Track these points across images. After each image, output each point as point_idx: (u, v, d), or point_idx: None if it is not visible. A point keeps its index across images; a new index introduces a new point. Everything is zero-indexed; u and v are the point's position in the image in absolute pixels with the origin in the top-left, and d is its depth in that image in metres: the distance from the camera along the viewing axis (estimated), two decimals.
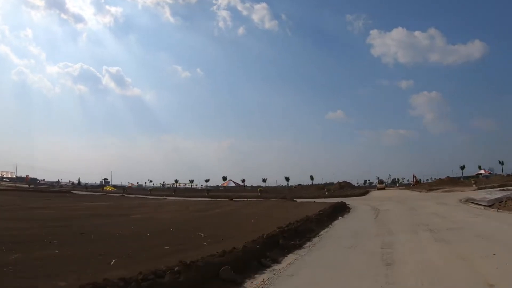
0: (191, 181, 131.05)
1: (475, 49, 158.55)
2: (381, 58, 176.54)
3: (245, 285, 6.12)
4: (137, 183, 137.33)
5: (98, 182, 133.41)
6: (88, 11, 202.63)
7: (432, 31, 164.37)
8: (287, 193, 65.81)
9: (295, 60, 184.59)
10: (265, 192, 73.05)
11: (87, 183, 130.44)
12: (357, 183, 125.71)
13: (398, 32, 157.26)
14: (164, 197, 54.84)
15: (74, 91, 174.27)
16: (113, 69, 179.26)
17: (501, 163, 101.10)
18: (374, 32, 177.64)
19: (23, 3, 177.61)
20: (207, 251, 7.58)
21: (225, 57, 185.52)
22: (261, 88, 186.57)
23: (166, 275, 5.45)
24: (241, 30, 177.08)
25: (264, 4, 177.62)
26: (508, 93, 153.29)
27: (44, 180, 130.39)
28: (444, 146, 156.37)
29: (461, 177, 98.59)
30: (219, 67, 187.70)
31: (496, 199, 21.56)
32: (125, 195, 63.43)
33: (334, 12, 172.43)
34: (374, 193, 55.37)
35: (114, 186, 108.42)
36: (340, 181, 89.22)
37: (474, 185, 51.31)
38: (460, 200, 26.33)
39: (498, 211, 17.82)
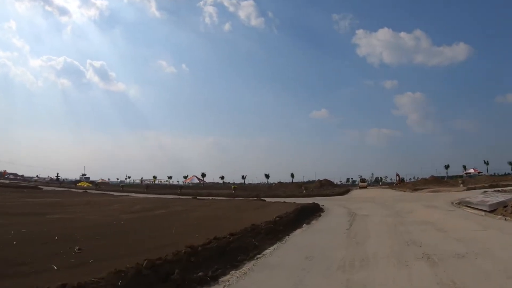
0: (169, 178, 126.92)
1: (459, 51, 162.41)
2: (366, 58, 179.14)
3: None
4: (117, 179, 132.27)
5: (78, 178, 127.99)
6: (73, 4, 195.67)
7: (418, 32, 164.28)
8: (263, 191, 62.24)
9: (281, 58, 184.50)
10: (242, 190, 69.54)
11: (66, 178, 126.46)
12: (340, 182, 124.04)
13: (384, 33, 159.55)
14: (127, 194, 50.09)
15: (57, 85, 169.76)
16: (97, 63, 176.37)
17: (486, 163, 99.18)
18: (360, 32, 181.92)
19: None
20: None
21: (210, 54, 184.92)
22: (246, 86, 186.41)
23: None
24: (227, 27, 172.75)
25: (251, 1, 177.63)
26: (491, 95, 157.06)
27: (23, 175, 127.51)
28: (427, 146, 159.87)
29: (445, 176, 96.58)
30: (204, 63, 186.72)
31: (499, 203, 17.43)
32: (94, 191, 58.96)
33: (320, 11, 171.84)
34: (355, 192, 51.42)
35: (91, 182, 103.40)
36: (321, 179, 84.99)
37: (461, 185, 47.87)
38: (452, 203, 22.49)
39: (506, 220, 13.84)
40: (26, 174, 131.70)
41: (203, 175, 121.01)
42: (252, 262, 7.71)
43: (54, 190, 59.61)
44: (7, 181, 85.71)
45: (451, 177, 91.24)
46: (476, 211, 17.31)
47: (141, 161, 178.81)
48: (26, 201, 26.75)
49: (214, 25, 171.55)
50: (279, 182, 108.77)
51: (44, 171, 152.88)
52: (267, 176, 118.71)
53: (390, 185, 79.61)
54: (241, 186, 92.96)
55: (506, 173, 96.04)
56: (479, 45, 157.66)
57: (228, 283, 6.06)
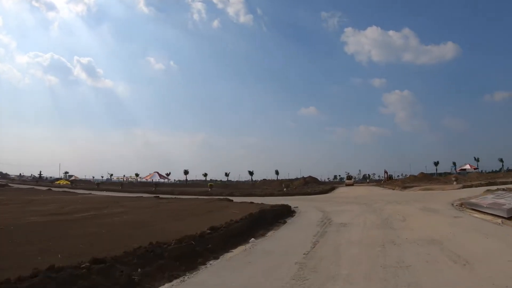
0: (137, 175, 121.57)
1: (447, 50, 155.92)
2: (354, 56, 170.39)
3: None
4: (102, 176, 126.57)
5: (62, 176, 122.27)
6: None
7: (406, 31, 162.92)
8: (244, 189, 58.05)
9: (269, 55, 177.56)
10: (223, 188, 65.09)
11: (51, 176, 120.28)
12: (328, 179, 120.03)
13: (373, 31, 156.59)
14: (90, 192, 44.63)
15: (44, 81, 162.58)
16: (85, 60, 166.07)
17: (477, 159, 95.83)
18: (348, 30, 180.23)
19: None
20: None
21: (199, 50, 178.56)
22: (234, 82, 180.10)
23: None
24: (215, 23, 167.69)
25: None
26: (479, 95, 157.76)
27: (7, 174, 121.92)
28: (415, 144, 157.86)
29: (435, 173, 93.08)
30: (193, 60, 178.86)
31: None
32: (62, 189, 52.57)
33: (309, 9, 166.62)
34: (340, 190, 46.96)
35: (72, 180, 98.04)
36: (305, 176, 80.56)
37: (454, 182, 43.55)
38: (453, 204, 18.29)
39: None
40: (11, 172, 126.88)
41: (186, 172, 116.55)
42: None
43: (19, 188, 55.34)
44: None
45: (441, 174, 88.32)
46: (489, 217, 13.01)
47: (128, 158, 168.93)
48: None
49: (202, 21, 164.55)
50: (263, 179, 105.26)
51: (29, 169, 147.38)
52: (251, 173, 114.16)
53: (378, 183, 75.26)
54: (223, 184, 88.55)
55: (494, 170, 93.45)
56: (466, 44, 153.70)
57: None
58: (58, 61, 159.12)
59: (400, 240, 9.02)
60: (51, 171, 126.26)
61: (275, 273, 6.29)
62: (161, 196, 32.92)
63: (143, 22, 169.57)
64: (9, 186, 59.72)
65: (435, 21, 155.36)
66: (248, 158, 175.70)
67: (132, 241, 7.96)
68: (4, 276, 4.99)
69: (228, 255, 8.11)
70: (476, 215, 13.98)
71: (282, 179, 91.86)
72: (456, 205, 18.30)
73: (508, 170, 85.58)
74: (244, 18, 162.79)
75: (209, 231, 9.67)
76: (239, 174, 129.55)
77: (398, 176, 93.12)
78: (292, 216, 16.77)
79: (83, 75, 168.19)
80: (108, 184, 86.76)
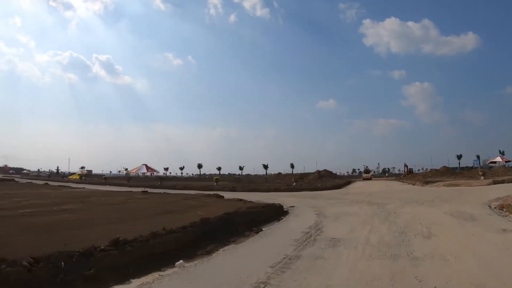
0: (166, 169, 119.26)
1: (468, 41, 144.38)
2: (373, 47, 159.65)
3: None
4: (119, 171, 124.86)
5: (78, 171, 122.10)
6: None
7: (426, 21, 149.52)
8: (257, 183, 54.22)
9: (287, 49, 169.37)
10: (235, 181, 61.61)
11: (69, 172, 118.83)
12: (347, 172, 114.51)
13: (391, 22, 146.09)
14: (88, 186, 42.82)
15: (64, 79, 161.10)
16: (103, 57, 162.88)
17: (502, 153, 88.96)
18: (367, 22, 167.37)
19: None
20: None
21: (216, 45, 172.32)
22: (252, 76, 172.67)
23: None
24: (232, 18, 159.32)
25: None
26: (500, 86, 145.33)
27: (26, 169, 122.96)
28: (436, 137, 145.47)
29: (457, 167, 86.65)
30: (210, 54, 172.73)
31: None
32: (64, 183, 51.07)
33: (326, 1, 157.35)
34: (355, 185, 42.07)
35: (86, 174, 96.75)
36: (320, 169, 75.47)
37: (482, 177, 38.21)
38: (490, 207, 14.03)
39: None
40: (33, 168, 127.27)
41: (199, 166, 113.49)
42: None
43: (20, 182, 52.99)
44: None
45: (463, 168, 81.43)
46: None
47: (146, 153, 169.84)
48: None
49: (219, 16, 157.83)
50: (278, 173, 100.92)
51: (49, 164, 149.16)
52: (265, 166, 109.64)
53: (398, 177, 69.71)
54: (235, 178, 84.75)
55: None
56: (488, 35, 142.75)
57: None
58: (77, 59, 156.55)
59: None
60: (70, 166, 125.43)
61: None
62: (150, 191, 29.49)
63: (160, 18, 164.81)
64: (14, 181, 57.46)
65: (455, 11, 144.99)
66: (264, 152, 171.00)
67: None
68: None
69: None
70: None
71: (295, 173, 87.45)
72: (495, 207, 13.72)
73: None
74: (261, 12, 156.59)
75: (109, 247, 5.73)
76: (253, 168, 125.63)
77: (418, 170, 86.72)
78: (278, 220, 12.75)
79: (102, 72, 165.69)
80: (117, 178, 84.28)
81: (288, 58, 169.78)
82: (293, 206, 17.36)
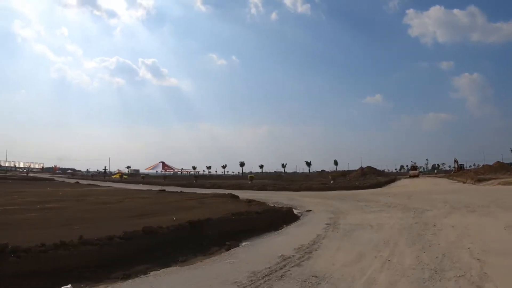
0: (208, 168, 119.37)
1: None
2: (419, 38, 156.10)
3: None
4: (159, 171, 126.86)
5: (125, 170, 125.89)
6: (120, 6, 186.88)
7: (472, 8, 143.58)
8: (296, 181, 51.09)
9: (330, 44, 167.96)
10: (273, 179, 58.61)
11: (115, 171, 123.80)
12: (395, 169, 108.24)
13: (436, 11, 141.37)
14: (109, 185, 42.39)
15: (112, 84, 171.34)
16: (149, 61, 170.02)
17: None
18: (410, 12, 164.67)
19: (56, 2, 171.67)
20: None
21: (259, 44, 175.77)
22: (296, 73, 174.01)
23: None
24: (273, 16, 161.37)
25: None
26: None
27: (75, 170, 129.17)
28: (488, 131, 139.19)
29: None
30: (254, 53, 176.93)
31: None
32: (87, 182, 51.47)
33: None
34: (398, 184, 37.54)
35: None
36: (364, 166, 70.20)
37: None
38: None
39: None
40: (83, 168, 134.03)
41: (242, 164, 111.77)
42: None
43: (54, 180, 56.02)
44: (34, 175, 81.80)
45: None
46: None
47: (193, 152, 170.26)
48: None
49: (260, 15, 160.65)
50: (322, 170, 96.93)
51: (99, 164, 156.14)
52: (308, 164, 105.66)
53: (448, 173, 63.12)
54: (276, 176, 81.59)
55: None
56: None
57: None
58: (123, 64, 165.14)
59: None
60: (118, 166, 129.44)
61: None
62: (178, 189, 28.50)
63: (202, 20, 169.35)
64: (54, 180, 59.17)
65: None
66: (309, 149, 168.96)
67: None
68: None
69: None
70: None
71: (338, 171, 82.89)
72: None
73: None
74: (302, 8, 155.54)
75: None
76: (296, 165, 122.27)
77: (470, 166, 78.46)
78: (275, 230, 9.92)
79: (148, 75, 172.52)
80: (157, 177, 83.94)
81: (332, 53, 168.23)
82: (310, 211, 14.40)
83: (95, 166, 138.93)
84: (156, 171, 50.22)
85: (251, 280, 5.07)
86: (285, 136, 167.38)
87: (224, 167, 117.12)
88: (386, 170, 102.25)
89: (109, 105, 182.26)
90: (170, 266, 6.13)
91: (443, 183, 33.77)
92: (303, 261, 6.11)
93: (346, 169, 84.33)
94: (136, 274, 5.54)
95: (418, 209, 13.09)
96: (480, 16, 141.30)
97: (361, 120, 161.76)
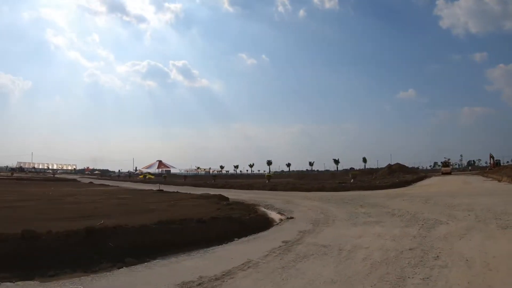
0: (236, 167, 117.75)
1: None
2: (451, 30, 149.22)
3: None
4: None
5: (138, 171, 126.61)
6: (148, 11, 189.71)
7: None
8: (320, 179, 47.67)
9: (360, 39, 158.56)
10: (299, 178, 56.97)
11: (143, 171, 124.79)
12: (430, 166, 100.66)
13: (467, 0, 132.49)
14: (119, 185, 42.12)
15: (144, 87, 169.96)
16: (180, 63, 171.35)
17: None
18: (440, 2, 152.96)
19: (86, 10, 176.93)
20: None
21: (288, 41, 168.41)
22: (327, 70, 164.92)
23: None
24: (301, 13, 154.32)
25: None
26: None
27: (108, 171, 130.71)
28: None
29: None
30: (283, 51, 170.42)
31: None
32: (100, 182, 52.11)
33: None
34: (425, 182, 32.84)
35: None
36: (393, 163, 64.87)
37: None
38: None
39: None
40: (116, 169, 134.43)
41: (269, 162, 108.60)
42: None
43: (74, 182, 53.71)
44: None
45: None
46: None
47: (226, 152, 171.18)
48: None
49: (288, 12, 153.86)
50: (350, 168, 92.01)
51: (131, 165, 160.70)
52: (336, 161, 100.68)
53: (483, 170, 56.74)
54: (301, 174, 77.92)
55: None
56: None
57: None
58: (155, 67, 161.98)
59: None
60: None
61: None
62: (164, 190, 24.77)
63: (230, 20, 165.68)
64: (76, 180, 58.99)
65: None
66: (340, 146, 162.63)
67: None
68: None
69: None
70: None
71: (367, 168, 78.04)
72: None
73: None
74: (330, 4, 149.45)
75: None
76: (324, 163, 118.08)
77: (507, 162, 71.05)
78: (204, 248, 6.92)
79: (179, 77, 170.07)
80: (179, 177, 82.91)
81: (363, 48, 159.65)
82: (292, 218, 11.43)
83: (128, 167, 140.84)
84: (160, 170, 48.08)
85: None
86: (316, 134, 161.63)
87: (251, 166, 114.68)
88: (420, 167, 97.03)
89: (142, 108, 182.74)
90: (31, 279, 5.30)
91: (475, 182, 28.76)
92: None
93: (375, 167, 79.29)
94: None
95: (429, 220, 9.43)
96: None
97: (394, 116, 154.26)
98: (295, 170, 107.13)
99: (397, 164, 63.83)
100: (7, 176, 63.42)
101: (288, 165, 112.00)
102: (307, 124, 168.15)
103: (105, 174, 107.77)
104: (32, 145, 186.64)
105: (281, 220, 11.23)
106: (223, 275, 5.21)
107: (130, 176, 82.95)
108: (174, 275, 5.39)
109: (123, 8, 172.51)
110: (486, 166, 65.69)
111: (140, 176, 78.88)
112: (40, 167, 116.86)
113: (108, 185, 39.78)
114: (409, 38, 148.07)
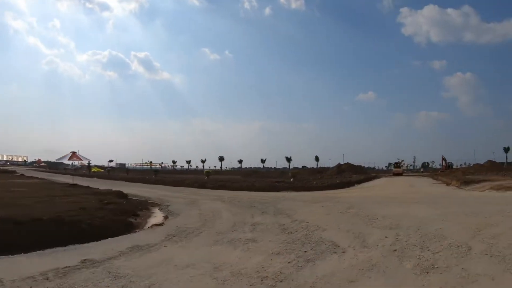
0: (188, 162, 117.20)
1: (511, 28, 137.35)
2: (412, 37, 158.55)
3: None
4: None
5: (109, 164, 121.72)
6: None
7: (466, 8, 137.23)
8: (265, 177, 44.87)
9: (324, 41, 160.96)
10: (245, 175, 54.15)
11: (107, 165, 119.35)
12: (385, 167, 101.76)
13: (430, 10, 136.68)
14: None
15: (104, 77, 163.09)
16: (141, 54, 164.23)
17: None
18: (404, 10, 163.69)
19: None
20: None
21: (252, 39, 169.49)
22: (289, 69, 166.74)
23: None
24: (267, 11, 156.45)
25: None
26: None
27: (63, 163, 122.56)
28: (480, 131, 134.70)
29: (504, 162, 71.84)
30: (247, 48, 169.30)
31: None
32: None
33: None
34: (369, 184, 30.12)
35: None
36: (345, 163, 63.16)
37: None
38: None
39: None
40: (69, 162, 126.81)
41: (221, 158, 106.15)
42: None
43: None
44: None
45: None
46: None
47: (185, 147, 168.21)
48: None
49: (254, 9, 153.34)
50: (303, 166, 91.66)
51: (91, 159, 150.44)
52: (288, 159, 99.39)
53: (435, 172, 56.03)
54: (249, 171, 75.19)
55: None
56: None
57: None
58: (116, 57, 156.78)
59: None
60: (105, 160, 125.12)
61: None
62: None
63: (195, 14, 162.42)
64: (15, 172, 55.52)
65: None
66: (297, 145, 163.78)
67: None
68: None
69: None
70: None
71: (315, 167, 76.62)
72: None
73: None
74: (296, 4, 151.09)
75: None
76: (276, 161, 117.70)
77: (460, 165, 72.06)
78: None
79: (140, 69, 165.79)
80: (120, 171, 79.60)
81: (326, 50, 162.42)
82: (161, 225, 7.94)
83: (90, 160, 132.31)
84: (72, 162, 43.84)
85: None
86: (275, 132, 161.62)
87: (203, 161, 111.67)
88: (376, 168, 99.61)
89: (100, 99, 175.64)
90: None
91: (422, 185, 26.53)
92: None
93: (327, 166, 77.85)
94: None
95: (323, 244, 6.07)
96: (474, 16, 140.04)
97: (353, 117, 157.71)
98: (247, 167, 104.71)
99: (347, 163, 62.62)
100: None
101: (240, 161, 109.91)
102: (266, 121, 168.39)
103: (56, 166, 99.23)
104: None
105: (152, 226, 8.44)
106: None
107: (85, 170, 77.45)
108: None
109: None
110: (439, 168, 66.10)
111: (94, 170, 74.22)
112: None
113: (36, 177, 38.06)
114: (372, 42, 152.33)
